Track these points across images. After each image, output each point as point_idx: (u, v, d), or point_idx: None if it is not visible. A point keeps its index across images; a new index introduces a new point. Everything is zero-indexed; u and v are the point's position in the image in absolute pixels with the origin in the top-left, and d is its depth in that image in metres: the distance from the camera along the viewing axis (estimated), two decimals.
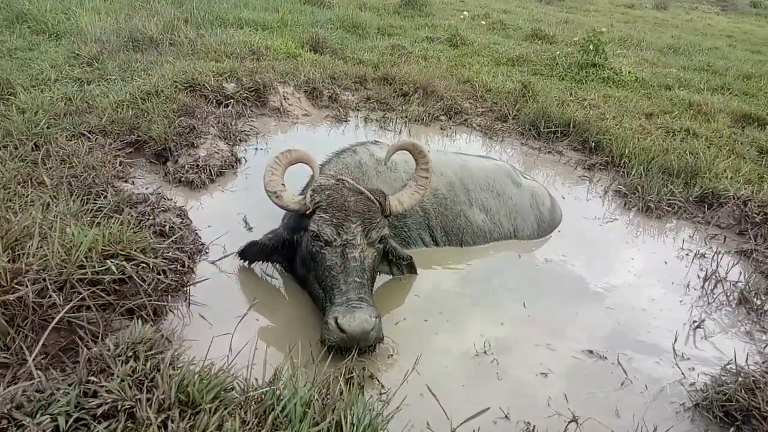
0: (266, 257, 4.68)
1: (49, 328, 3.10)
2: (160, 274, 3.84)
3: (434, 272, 5.16)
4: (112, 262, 3.49)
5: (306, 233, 4.31)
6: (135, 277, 3.52)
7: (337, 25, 14.42)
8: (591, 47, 12.39)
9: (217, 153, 6.28)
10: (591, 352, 4.24)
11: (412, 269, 4.95)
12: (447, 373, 3.87)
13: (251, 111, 8.20)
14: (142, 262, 3.67)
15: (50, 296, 3.25)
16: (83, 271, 3.41)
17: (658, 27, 24.11)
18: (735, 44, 20.74)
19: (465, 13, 17.21)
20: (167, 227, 4.47)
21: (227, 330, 3.94)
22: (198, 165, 5.99)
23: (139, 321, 3.34)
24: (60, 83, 7.60)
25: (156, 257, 3.89)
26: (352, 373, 3.56)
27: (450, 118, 9.36)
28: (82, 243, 3.49)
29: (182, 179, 5.85)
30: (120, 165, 5.63)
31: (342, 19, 14.71)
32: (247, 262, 4.72)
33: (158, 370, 3.01)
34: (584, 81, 12.03)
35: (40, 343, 3.03)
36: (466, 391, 3.73)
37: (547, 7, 27.32)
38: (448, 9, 20.75)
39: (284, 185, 4.51)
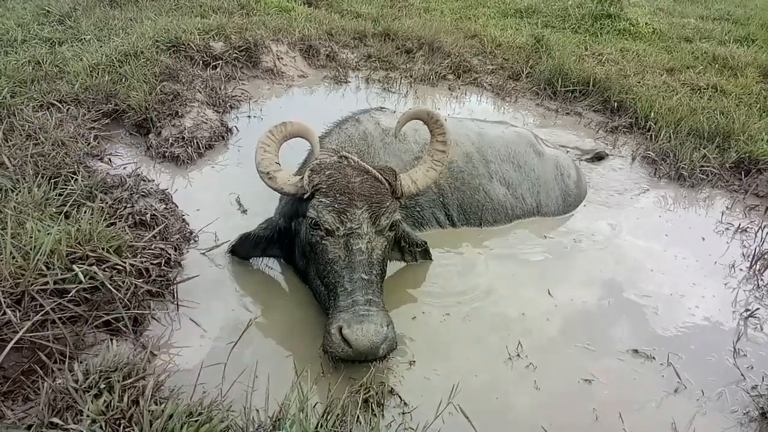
0: (261, 251, 4.07)
1: (2, 355, 2.54)
2: (141, 276, 3.27)
3: (451, 256, 4.60)
4: (79, 267, 2.90)
5: (304, 220, 3.70)
6: (109, 285, 2.94)
7: None
8: None
9: (205, 123, 5.61)
10: (636, 351, 3.73)
11: (426, 255, 4.39)
12: (478, 382, 3.36)
13: (242, 73, 7.46)
14: (117, 264, 3.08)
15: (4, 313, 2.68)
16: (44, 279, 2.83)
17: None
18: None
19: None
20: (148, 215, 3.87)
21: (220, 335, 3.45)
22: (184, 137, 5.34)
23: (114, 341, 2.78)
24: (27, 44, 6.84)
25: (135, 255, 3.31)
26: (369, 389, 3.04)
27: (458, 77, 8.63)
28: (42, 245, 2.90)
29: (166, 154, 5.21)
30: (95, 140, 4.97)
31: None
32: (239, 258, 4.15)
33: (137, 404, 2.48)
34: (599, 33, 11.23)
35: None
36: (501, 404, 3.23)
37: None
38: None
39: (279, 164, 3.89)
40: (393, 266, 4.27)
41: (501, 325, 3.88)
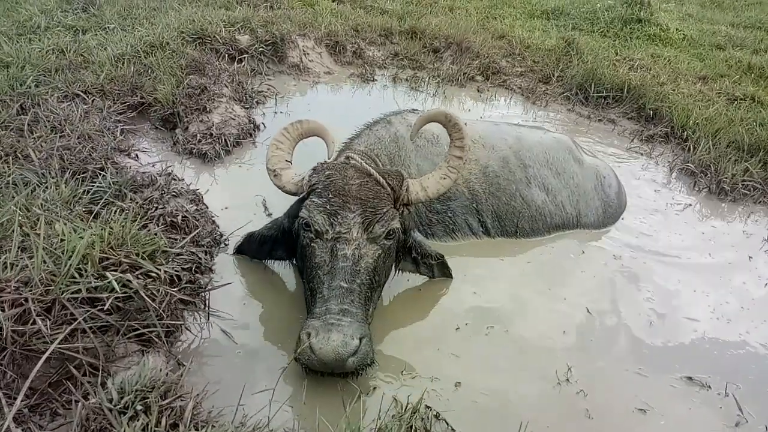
0: (267, 252, 3.88)
1: (33, 373, 2.36)
2: (173, 284, 3.08)
3: (487, 266, 4.39)
4: (113, 274, 2.72)
5: (298, 222, 3.50)
6: (143, 294, 2.76)
7: None
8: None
9: (233, 119, 5.43)
10: (690, 379, 3.52)
11: (444, 270, 4.06)
12: (527, 408, 3.15)
13: (268, 68, 7.27)
14: (151, 271, 2.90)
15: (33, 322, 2.50)
16: (77, 287, 2.65)
17: None
18: None
19: None
20: (179, 217, 3.68)
21: (254, 348, 3.27)
22: (211, 133, 5.15)
23: (149, 356, 2.60)
24: (51, 32, 6.66)
25: (167, 261, 3.12)
26: (416, 412, 2.84)
27: (487, 79, 8.41)
28: (75, 249, 2.72)
29: (194, 150, 5.03)
30: (121, 134, 4.79)
31: None
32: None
33: (176, 429, 2.29)
34: (628, 38, 10.94)
35: (22, 394, 2.30)
36: None
37: None
38: None
39: (290, 162, 3.73)
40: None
41: (544, 344, 3.69)
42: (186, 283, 3.31)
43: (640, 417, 3.20)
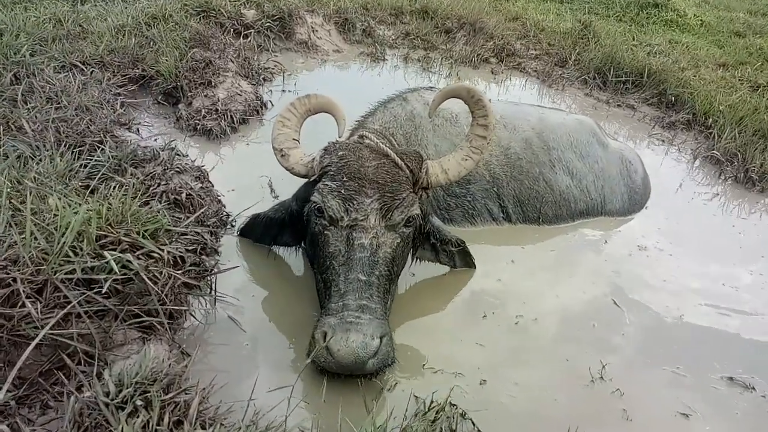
0: (273, 237, 3.60)
1: (20, 361, 2.11)
2: (176, 265, 2.82)
3: (509, 253, 4.14)
4: (111, 254, 2.46)
5: (309, 207, 3.23)
6: (144, 276, 2.50)
7: None
8: None
9: (239, 95, 5.14)
10: (731, 379, 3.28)
11: (466, 259, 3.76)
12: (559, 410, 2.91)
13: (274, 44, 6.95)
14: (153, 252, 2.64)
15: (23, 304, 2.24)
16: (71, 267, 2.39)
17: None
18: None
19: None
20: (184, 195, 3.41)
21: (264, 338, 3.02)
22: (217, 109, 4.87)
23: (150, 344, 2.35)
24: (48, 1, 6.34)
25: (171, 241, 2.86)
26: (439, 414, 2.59)
27: (501, 61, 8.09)
28: (69, 225, 2.46)
29: (198, 126, 4.75)
30: (121, 107, 4.50)
31: None
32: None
33: (180, 426, 2.05)
34: (644, 23, 10.63)
35: (8, 384, 2.05)
36: None
37: None
38: None
39: (297, 141, 3.45)
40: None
41: (573, 336, 3.46)
42: (191, 265, 3.05)
43: (683, 422, 2.95)
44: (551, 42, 8.73)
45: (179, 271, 2.73)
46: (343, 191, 3.05)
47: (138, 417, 2.01)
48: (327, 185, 3.10)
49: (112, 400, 2.05)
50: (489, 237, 4.27)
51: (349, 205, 3.02)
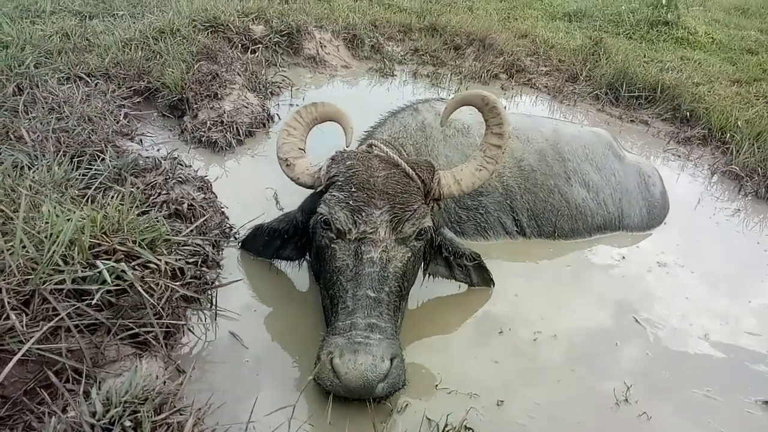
0: (275, 250, 3.43)
1: (3, 374, 1.95)
2: (175, 277, 2.67)
3: (525, 269, 3.97)
4: (104, 263, 2.31)
5: (315, 219, 3.08)
6: (140, 287, 2.35)
7: None
8: (663, 1, 10.82)
9: (246, 107, 5.04)
10: (766, 403, 3.05)
11: (483, 275, 3.56)
12: (582, 413, 2.71)
13: (282, 59, 6.90)
14: (150, 262, 2.49)
15: (7, 317, 2.10)
16: (60, 276, 2.24)
17: None
18: None
19: None
20: (185, 205, 3.28)
21: (267, 357, 2.84)
22: (222, 121, 4.76)
23: (143, 360, 2.19)
24: (57, 16, 6.34)
25: (170, 252, 2.71)
26: None
27: (511, 77, 8.01)
28: (60, 233, 2.32)
29: (203, 138, 4.64)
30: (125, 118, 4.41)
31: None
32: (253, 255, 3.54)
33: None
34: (655, 41, 10.53)
35: None
36: None
37: None
38: None
39: (303, 150, 3.31)
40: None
41: (594, 355, 3.27)
42: (191, 278, 2.90)
43: None
44: (561, 59, 8.63)
45: (177, 283, 2.57)
46: (351, 202, 2.89)
47: None
48: (334, 196, 2.95)
49: (99, 420, 1.88)
50: (502, 251, 4.10)
51: (357, 216, 2.86)
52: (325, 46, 7.30)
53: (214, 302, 2.93)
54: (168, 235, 2.72)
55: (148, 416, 1.91)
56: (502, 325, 3.33)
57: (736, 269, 4.42)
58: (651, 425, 2.78)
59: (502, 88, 7.69)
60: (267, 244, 3.43)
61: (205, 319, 2.88)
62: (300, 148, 3.33)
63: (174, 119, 5.04)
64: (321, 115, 3.41)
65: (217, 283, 3.03)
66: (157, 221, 2.77)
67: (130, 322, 2.42)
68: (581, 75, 8.06)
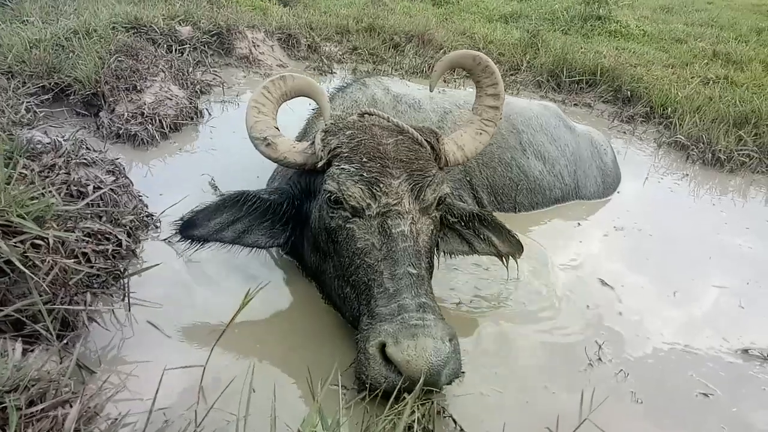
0: (240, 234, 2.83)
1: None
2: (73, 257, 2.25)
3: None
4: None
5: (317, 200, 2.71)
6: (17, 263, 1.92)
7: None
8: None
9: (170, 99, 4.64)
10: (746, 352, 2.85)
11: (508, 238, 3.05)
12: (554, 398, 2.41)
13: (213, 60, 6.53)
14: (39, 237, 2.07)
15: None
16: None
17: None
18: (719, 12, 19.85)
19: None
20: (91, 186, 2.85)
21: (188, 346, 2.44)
22: (143, 113, 4.35)
23: (18, 342, 1.76)
24: None
25: (66, 229, 2.29)
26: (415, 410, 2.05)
27: (453, 71, 7.86)
28: None
29: (121, 132, 4.21)
30: (27, 112, 3.94)
31: None
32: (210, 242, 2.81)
33: None
34: (590, 35, 10.72)
35: None
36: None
37: None
38: None
39: (278, 129, 2.93)
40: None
41: (563, 320, 2.99)
42: (100, 267, 2.48)
43: (705, 403, 2.49)
44: (502, 52, 8.60)
45: (71, 260, 2.15)
46: (365, 174, 2.51)
47: None
48: (343, 169, 2.55)
49: None
50: None
51: (375, 189, 2.49)
52: (258, 46, 6.98)
53: (126, 290, 2.50)
54: (58, 207, 2.29)
55: (16, 407, 1.49)
56: (462, 297, 3.03)
57: (692, 229, 4.30)
58: (630, 383, 2.52)
59: (445, 81, 7.54)
60: (229, 224, 2.82)
61: (117, 309, 2.45)
62: (275, 127, 2.93)
63: (90, 117, 4.58)
64: (292, 90, 2.94)
65: (130, 271, 2.60)
66: (47, 194, 2.34)
67: (13, 310, 1.98)
68: (522, 65, 8.03)
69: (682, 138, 5.81)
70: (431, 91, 3.31)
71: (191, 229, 2.71)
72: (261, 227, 2.91)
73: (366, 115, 2.89)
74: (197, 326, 2.59)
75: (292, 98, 3.04)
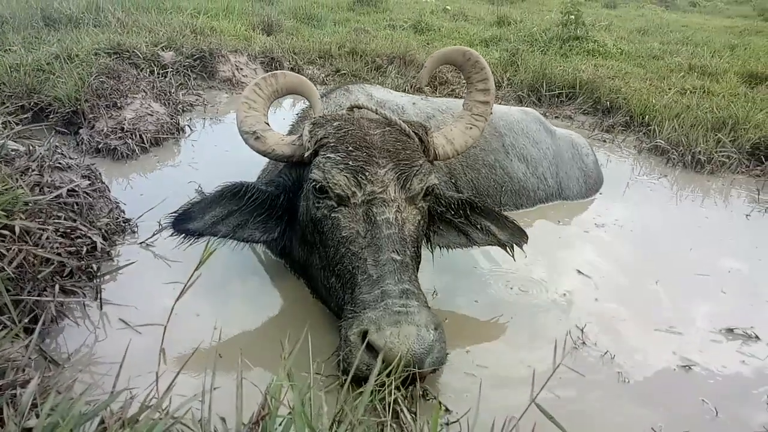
0: (235, 228, 2.76)
1: None
2: (49, 262, 2.20)
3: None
4: None
5: (305, 190, 2.69)
6: None
7: (290, 16, 13.01)
8: (572, 17, 11.38)
9: (151, 115, 4.66)
10: (731, 330, 2.83)
11: (508, 226, 2.98)
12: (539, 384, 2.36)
13: (197, 83, 6.59)
14: (2, 228, 2.03)
15: None
16: None
17: (615, 20, 23.77)
18: (693, 32, 20.44)
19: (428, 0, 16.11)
20: (65, 190, 2.81)
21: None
22: (123, 128, 4.36)
23: None
24: None
25: (35, 220, 2.25)
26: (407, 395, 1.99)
27: (435, 90, 8.01)
28: None
29: (101, 146, 4.21)
30: (4, 127, 3.92)
31: (295, 11, 13.33)
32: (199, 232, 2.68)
33: None
34: (568, 54, 10.93)
35: None
36: (581, 406, 2.24)
37: (500, 7, 26.75)
38: (404, 5, 19.66)
39: (268, 124, 2.94)
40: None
41: (543, 308, 2.96)
42: (74, 262, 2.43)
43: (684, 375, 2.46)
44: None
45: (40, 249, 2.10)
46: (350, 163, 2.49)
47: None
48: (329, 158, 2.53)
49: None
50: None
51: (360, 177, 2.47)
52: (241, 69, 7.07)
53: (98, 288, 2.45)
54: (25, 197, 2.26)
55: None
56: (437, 286, 3.00)
57: (673, 226, 4.32)
58: (615, 363, 2.47)
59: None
60: (224, 218, 2.77)
61: (88, 308, 2.39)
62: (266, 122, 2.93)
63: (70, 135, 4.58)
64: (283, 87, 2.96)
65: (103, 270, 2.55)
66: (15, 184, 2.30)
67: None
68: (503, 82, 8.17)
69: (662, 142, 5.88)
70: (423, 86, 3.32)
71: (186, 223, 2.65)
72: (256, 221, 2.86)
73: (355, 109, 2.92)
74: (171, 325, 2.53)
75: (283, 95, 3.08)
